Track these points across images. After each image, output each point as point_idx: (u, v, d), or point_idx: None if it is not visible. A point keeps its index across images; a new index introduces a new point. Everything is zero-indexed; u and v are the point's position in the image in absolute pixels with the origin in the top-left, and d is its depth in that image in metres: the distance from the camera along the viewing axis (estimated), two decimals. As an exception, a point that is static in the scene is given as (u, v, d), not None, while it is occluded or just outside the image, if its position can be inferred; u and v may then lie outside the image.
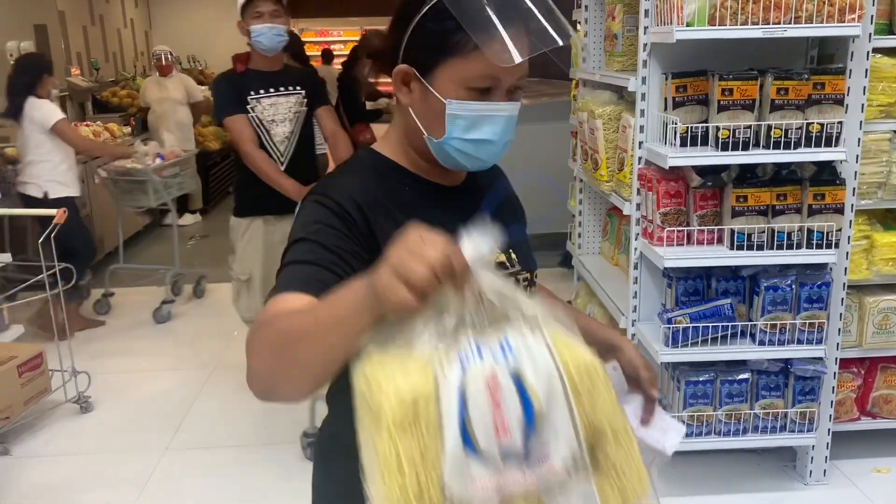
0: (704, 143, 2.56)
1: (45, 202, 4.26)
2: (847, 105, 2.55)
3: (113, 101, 7.51)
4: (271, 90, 3.15)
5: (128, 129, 6.86)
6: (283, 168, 3.19)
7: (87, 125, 6.26)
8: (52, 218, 3.46)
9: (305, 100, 3.24)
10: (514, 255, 1.22)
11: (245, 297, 3.45)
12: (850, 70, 2.53)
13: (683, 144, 2.55)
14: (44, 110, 4.30)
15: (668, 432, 1.30)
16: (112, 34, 9.45)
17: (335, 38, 15.50)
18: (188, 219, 7.44)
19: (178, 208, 7.43)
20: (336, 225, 1.07)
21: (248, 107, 3.12)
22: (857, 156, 2.59)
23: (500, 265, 1.18)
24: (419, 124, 1.13)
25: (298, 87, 3.21)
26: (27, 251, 4.63)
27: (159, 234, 7.10)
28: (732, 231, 2.60)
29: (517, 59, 1.02)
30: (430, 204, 1.17)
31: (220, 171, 8.13)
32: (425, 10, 1.07)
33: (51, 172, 4.36)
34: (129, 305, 5.11)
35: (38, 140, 4.32)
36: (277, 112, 3.15)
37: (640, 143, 2.74)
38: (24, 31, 6.99)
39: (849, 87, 2.54)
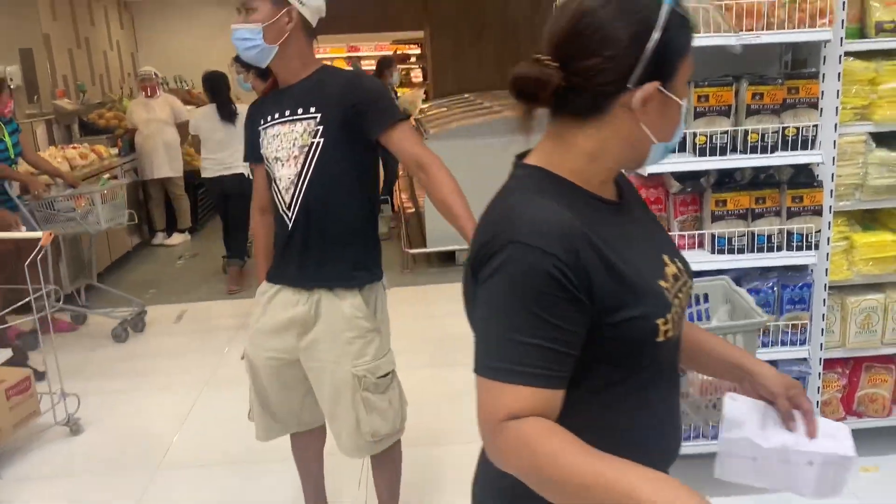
0: (682, 149, 2.60)
1: (248, 181, 5.42)
2: (821, 108, 2.59)
3: (100, 122, 7.52)
4: (276, 115, 2.18)
5: (115, 151, 6.88)
6: (289, 230, 2.19)
7: (73, 147, 6.28)
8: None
9: (320, 127, 2.11)
10: (679, 264, 1.21)
11: (256, 408, 2.42)
12: (824, 74, 2.57)
13: (662, 151, 2.58)
14: None
15: (837, 435, 1.24)
16: (98, 56, 9.47)
17: (322, 55, 15.59)
18: (177, 238, 7.45)
19: (166, 227, 7.48)
20: (557, 291, 1.01)
21: (261, 140, 2.23)
22: (834, 158, 2.63)
23: (675, 277, 1.17)
24: (651, 135, 1.10)
25: (313, 109, 2.12)
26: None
27: (148, 254, 7.11)
28: (713, 235, 2.63)
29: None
30: (615, 230, 1.13)
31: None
32: (664, 20, 1.05)
33: None
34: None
35: None
36: (281, 146, 2.16)
37: (620, 150, 2.76)
38: (9, 56, 7.00)
39: (822, 91, 2.58)
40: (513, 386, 1.01)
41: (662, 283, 1.14)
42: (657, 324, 1.09)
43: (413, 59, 15.44)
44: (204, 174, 5.80)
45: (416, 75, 15.39)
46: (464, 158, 5.71)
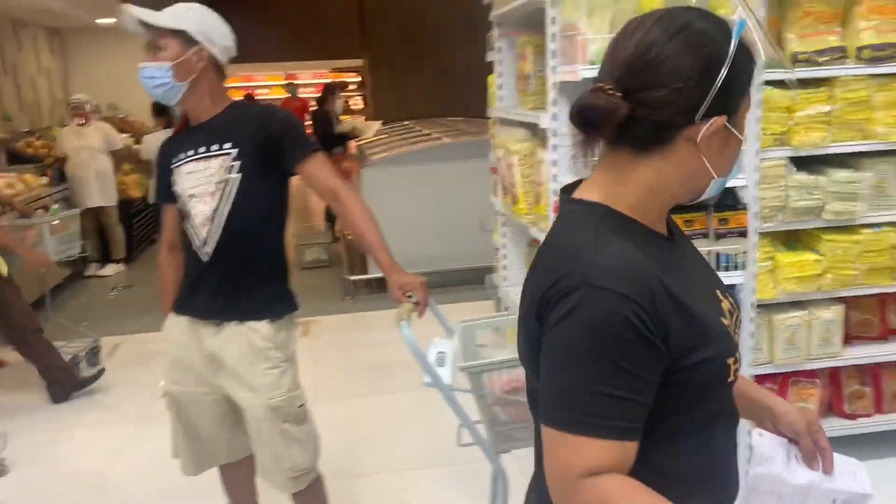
0: (615, 174, 2.67)
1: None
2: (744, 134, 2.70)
3: (28, 151, 7.30)
4: (190, 152, 2.17)
5: (45, 180, 6.68)
6: (204, 265, 2.18)
7: (0, 177, 6.07)
8: None
9: (237, 162, 2.12)
10: (730, 299, 1.18)
11: (183, 444, 2.38)
12: (745, 102, 2.69)
13: (595, 177, 2.65)
14: None
15: (854, 472, 1.23)
16: (26, 83, 9.22)
17: (259, 82, 15.50)
18: (110, 269, 7.26)
19: (100, 258, 7.28)
20: (635, 338, 0.97)
21: (173, 178, 2.21)
22: (756, 181, 2.75)
23: (730, 312, 1.15)
24: (710, 169, 1.07)
25: (228, 145, 2.13)
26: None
27: (80, 286, 6.90)
28: (646, 258, 2.71)
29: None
30: (676, 267, 1.10)
31: (143, 218, 7.97)
32: (733, 55, 1.03)
33: None
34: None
35: None
36: (197, 182, 2.15)
37: (555, 176, 2.83)
38: (-69, 83, 6.78)
39: (744, 118, 2.70)
40: (590, 439, 0.97)
41: (724, 321, 1.11)
42: (728, 363, 1.07)
43: (353, 88, 15.50)
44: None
45: (356, 102, 15.44)
46: (404, 184, 5.79)
